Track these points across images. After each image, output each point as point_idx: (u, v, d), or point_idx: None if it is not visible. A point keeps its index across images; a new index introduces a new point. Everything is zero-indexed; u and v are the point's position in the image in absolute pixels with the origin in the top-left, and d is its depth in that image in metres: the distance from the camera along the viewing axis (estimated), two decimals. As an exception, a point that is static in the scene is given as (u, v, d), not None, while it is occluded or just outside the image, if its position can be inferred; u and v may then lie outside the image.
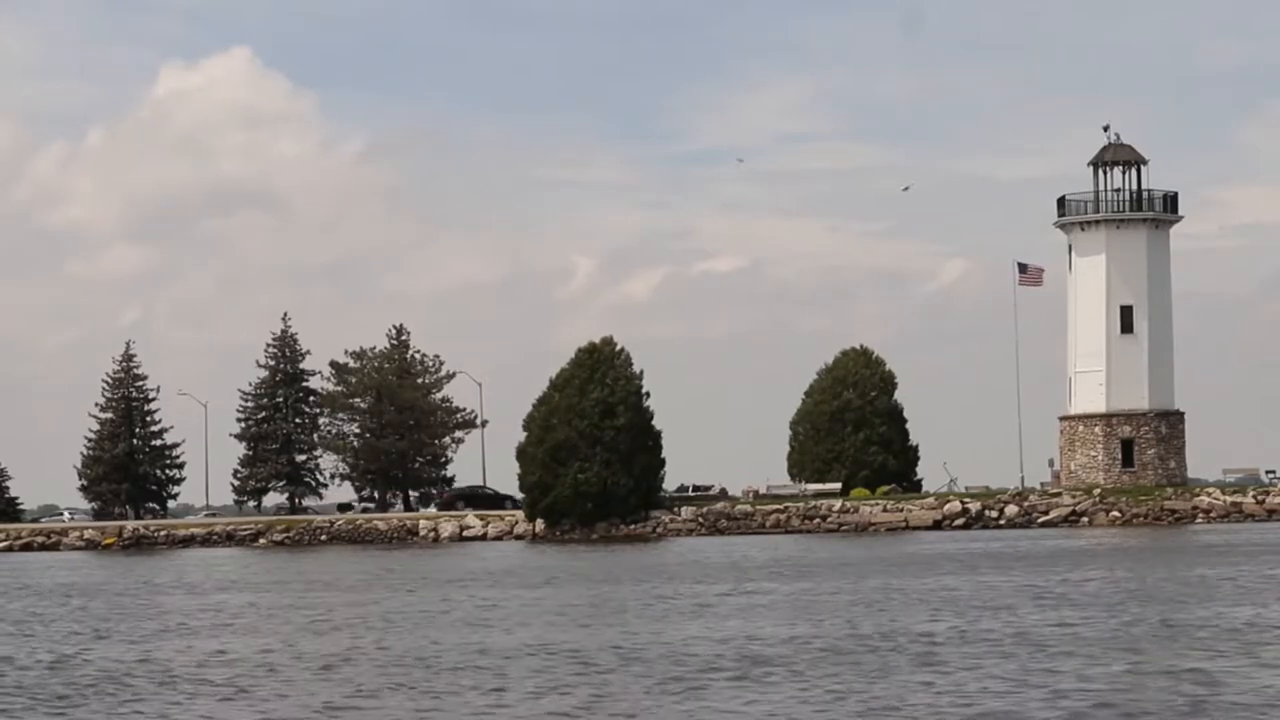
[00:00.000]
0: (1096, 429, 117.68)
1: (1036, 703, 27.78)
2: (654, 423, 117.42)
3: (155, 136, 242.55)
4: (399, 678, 33.33)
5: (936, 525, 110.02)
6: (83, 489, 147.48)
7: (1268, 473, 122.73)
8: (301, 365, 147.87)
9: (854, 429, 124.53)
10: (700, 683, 31.26)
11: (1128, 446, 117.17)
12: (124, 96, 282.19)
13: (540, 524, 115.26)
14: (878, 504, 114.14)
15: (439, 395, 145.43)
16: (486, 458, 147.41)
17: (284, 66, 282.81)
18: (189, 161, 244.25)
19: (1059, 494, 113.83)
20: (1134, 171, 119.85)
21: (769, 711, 27.84)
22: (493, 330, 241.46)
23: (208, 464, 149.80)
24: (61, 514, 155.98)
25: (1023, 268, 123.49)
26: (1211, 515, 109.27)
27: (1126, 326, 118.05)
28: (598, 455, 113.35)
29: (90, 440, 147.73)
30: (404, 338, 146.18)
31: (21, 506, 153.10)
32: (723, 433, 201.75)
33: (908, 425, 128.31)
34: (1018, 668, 32.04)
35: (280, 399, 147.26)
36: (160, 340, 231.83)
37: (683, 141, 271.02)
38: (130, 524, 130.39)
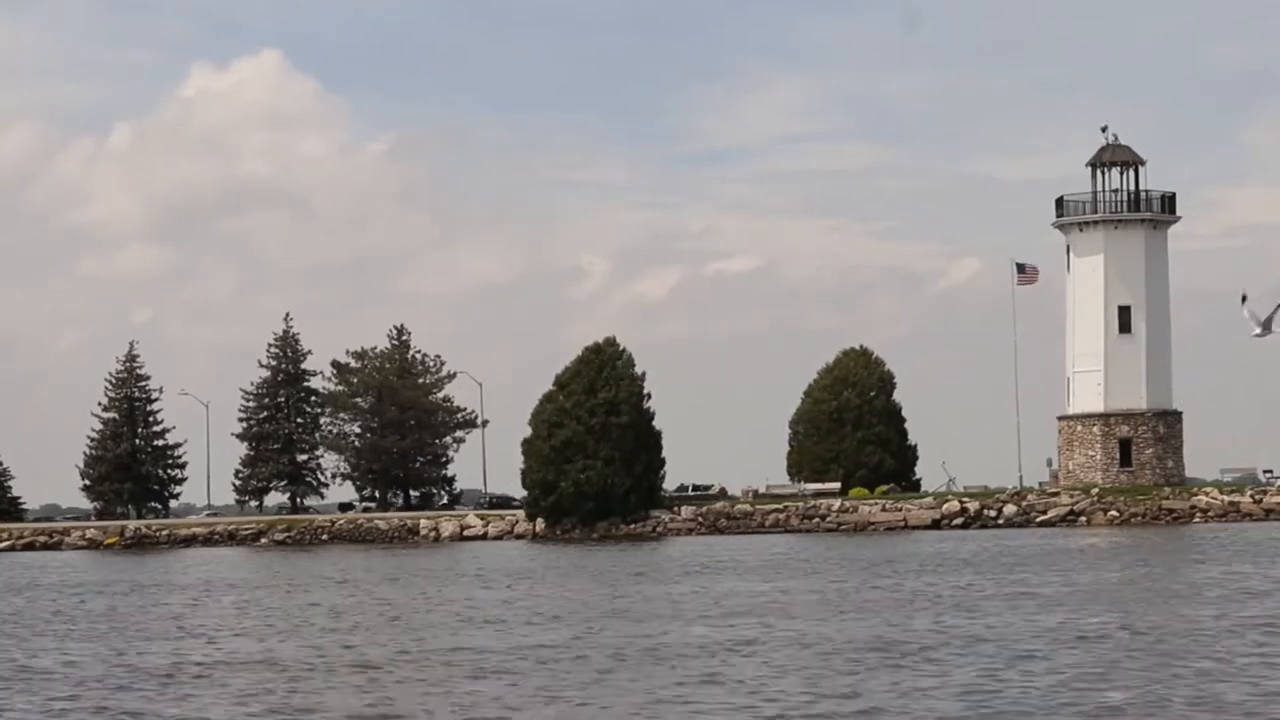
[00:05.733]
0: (1095, 429, 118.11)
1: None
2: (654, 423, 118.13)
3: (180, 137, 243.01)
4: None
5: (935, 525, 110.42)
6: (85, 488, 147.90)
7: (1265, 472, 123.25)
8: (303, 365, 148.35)
9: (853, 429, 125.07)
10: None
11: (1126, 446, 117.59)
12: (152, 98, 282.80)
13: (540, 523, 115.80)
14: (876, 503, 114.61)
15: (440, 395, 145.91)
16: (487, 458, 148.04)
17: (313, 69, 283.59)
18: (212, 162, 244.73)
19: (1057, 494, 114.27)
20: (1132, 172, 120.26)
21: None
22: (501, 330, 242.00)
23: (209, 464, 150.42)
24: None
25: (1021, 268, 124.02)
26: (1209, 515, 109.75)
27: (1124, 326, 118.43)
28: (602, 453, 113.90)
29: (93, 440, 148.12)
30: (405, 338, 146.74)
31: (24, 506, 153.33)
32: (723, 433, 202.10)
33: (906, 425, 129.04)
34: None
35: (282, 399, 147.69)
36: (169, 340, 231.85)
37: (686, 142, 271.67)
38: (132, 523, 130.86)
